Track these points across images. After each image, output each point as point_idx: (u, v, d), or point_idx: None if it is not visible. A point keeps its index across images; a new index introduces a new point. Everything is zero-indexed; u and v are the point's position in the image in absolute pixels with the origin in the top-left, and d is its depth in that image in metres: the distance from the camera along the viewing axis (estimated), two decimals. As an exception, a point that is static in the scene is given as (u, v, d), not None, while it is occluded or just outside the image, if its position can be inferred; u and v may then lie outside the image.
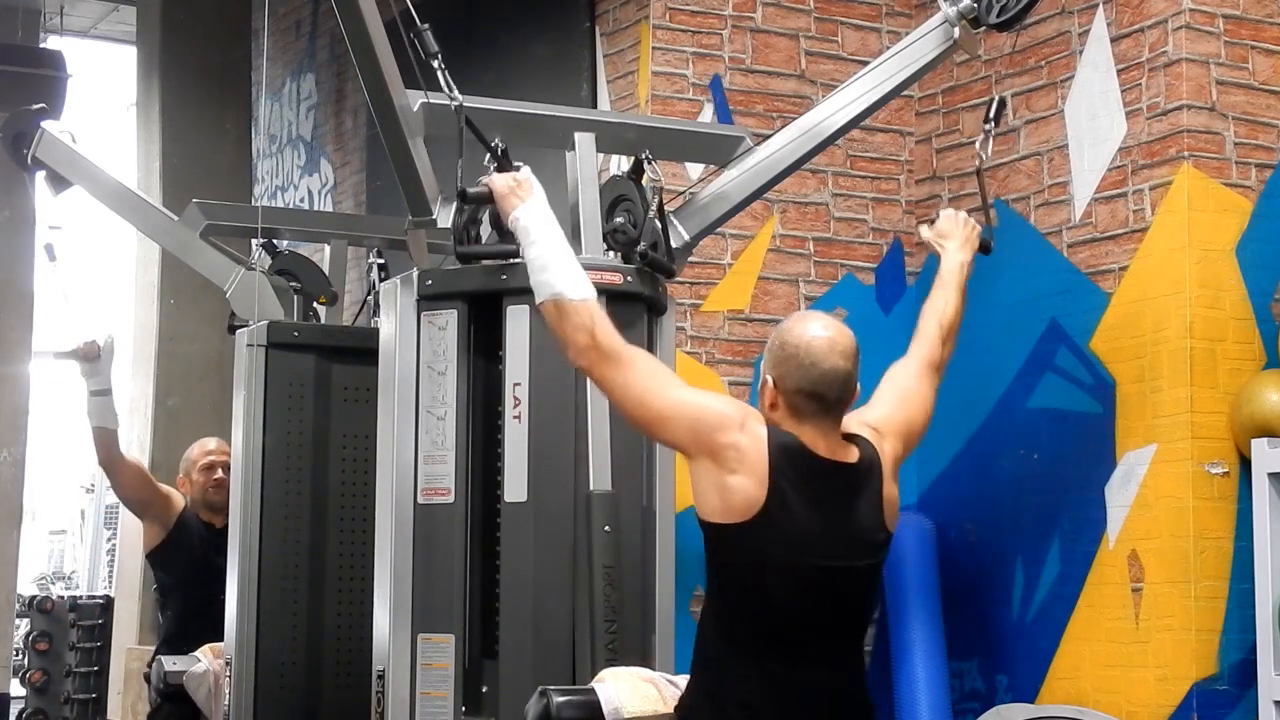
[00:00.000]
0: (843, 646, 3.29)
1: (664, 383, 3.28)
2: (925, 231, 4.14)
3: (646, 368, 3.30)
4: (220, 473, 5.48)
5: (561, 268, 3.38)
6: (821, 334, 3.26)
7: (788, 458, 3.17)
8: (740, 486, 3.15)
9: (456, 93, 3.99)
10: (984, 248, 4.13)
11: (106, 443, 5.57)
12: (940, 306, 3.89)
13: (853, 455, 3.28)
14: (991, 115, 4.40)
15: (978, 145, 4.41)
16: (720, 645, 3.24)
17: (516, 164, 3.86)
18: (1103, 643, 4.95)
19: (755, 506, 3.14)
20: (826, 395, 3.23)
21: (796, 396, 3.23)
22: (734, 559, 3.19)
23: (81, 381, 5.59)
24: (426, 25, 4.00)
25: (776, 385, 3.25)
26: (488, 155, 4.11)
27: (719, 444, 3.17)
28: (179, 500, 5.60)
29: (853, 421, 3.36)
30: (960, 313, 3.93)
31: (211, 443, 5.62)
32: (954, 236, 4.03)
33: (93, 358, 5.51)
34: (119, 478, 5.67)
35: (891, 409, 3.49)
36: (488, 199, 3.71)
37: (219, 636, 4.91)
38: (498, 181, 3.66)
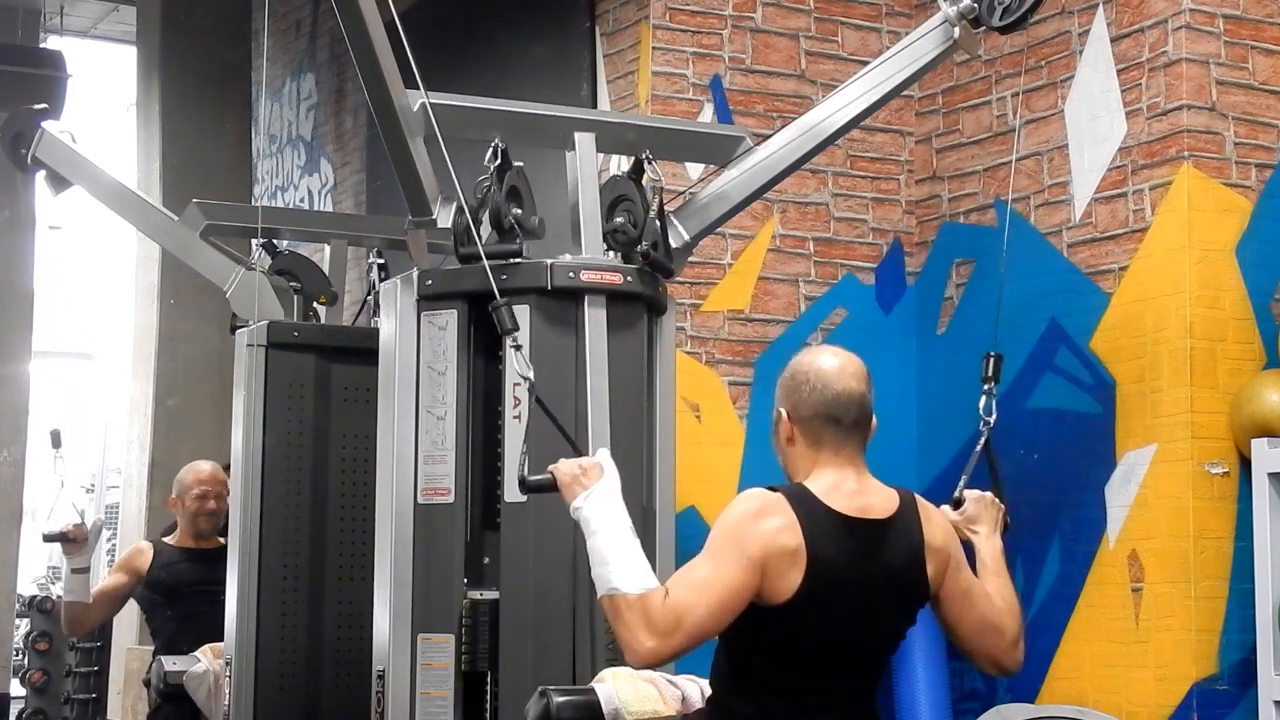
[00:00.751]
0: (859, 688, 3.24)
1: (716, 583, 3.06)
2: (952, 515, 3.63)
3: (696, 597, 3.06)
4: (212, 502, 5.49)
5: (619, 561, 3.15)
6: (830, 360, 3.19)
7: (815, 521, 3.07)
8: (791, 580, 3.09)
9: (532, 374, 3.77)
10: (1006, 527, 3.72)
11: (76, 617, 5.67)
12: (1004, 591, 3.49)
13: (885, 505, 3.17)
14: (990, 374, 4.09)
15: (980, 408, 4.03)
16: (729, 696, 3.19)
17: (594, 452, 3.60)
18: (1103, 643, 4.95)
19: (793, 588, 3.08)
20: (843, 418, 3.16)
21: (813, 422, 3.16)
22: (770, 633, 3.11)
23: (64, 558, 5.67)
24: (506, 300, 3.78)
25: (791, 416, 3.17)
26: (489, 150, 4.11)
27: (781, 568, 3.04)
28: (145, 555, 5.61)
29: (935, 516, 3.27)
30: (1013, 596, 3.53)
31: (206, 469, 5.60)
32: (985, 521, 3.64)
33: (80, 540, 5.53)
34: (97, 622, 5.79)
35: (968, 576, 3.32)
36: (550, 487, 3.39)
37: (219, 636, 4.91)
38: (563, 469, 3.36)
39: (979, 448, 3.95)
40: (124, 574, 5.66)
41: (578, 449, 3.75)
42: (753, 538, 3.04)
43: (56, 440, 6.02)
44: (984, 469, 3.89)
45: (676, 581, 3.07)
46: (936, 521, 3.27)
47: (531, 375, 3.75)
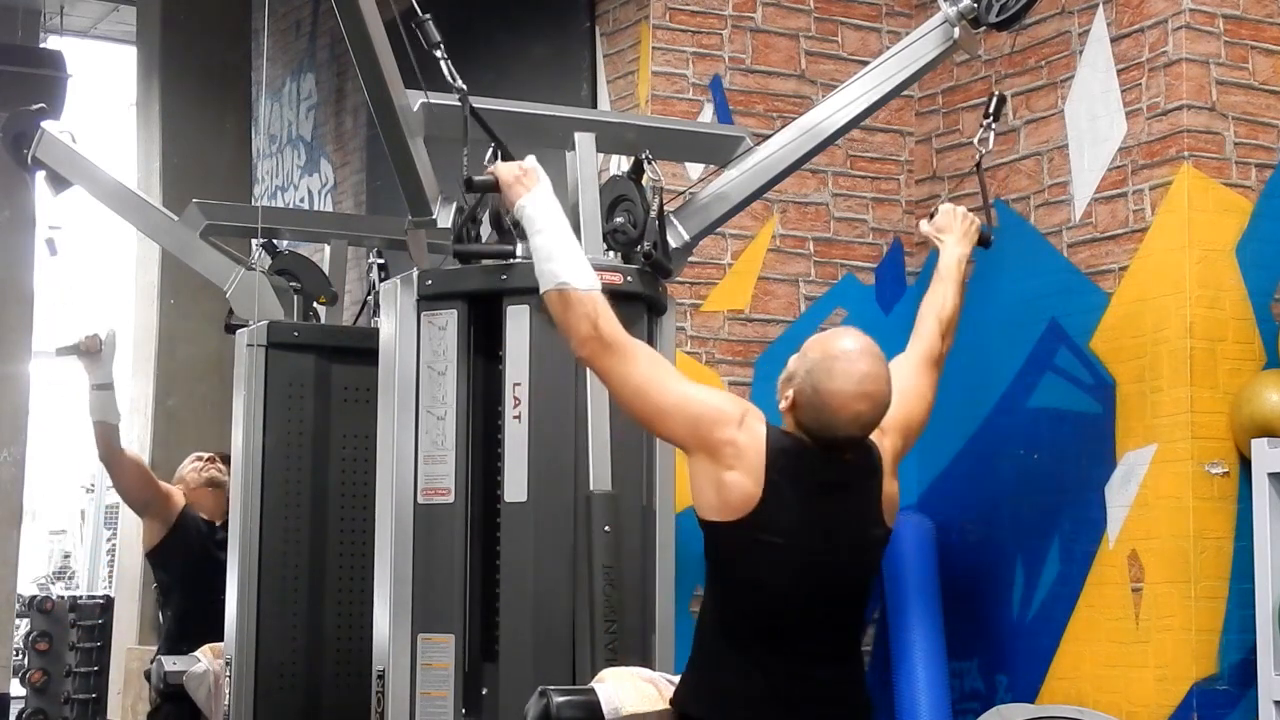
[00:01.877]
0: (840, 641, 3.29)
1: (665, 377, 3.28)
2: (924, 226, 4.18)
3: (648, 361, 3.29)
4: (211, 470, 5.51)
5: (567, 257, 3.37)
6: (851, 377, 3.20)
7: (785, 455, 3.18)
8: (737, 483, 3.15)
9: (460, 82, 3.99)
10: (984, 241, 4.16)
11: (107, 437, 5.57)
12: (939, 301, 3.91)
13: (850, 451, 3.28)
14: (991, 110, 4.43)
15: (976, 140, 4.44)
16: (717, 640, 3.25)
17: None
18: (1103, 643, 4.95)
19: (751, 503, 3.14)
20: (834, 441, 3.23)
21: (809, 424, 3.23)
22: (731, 555, 3.19)
23: (83, 376, 5.59)
24: (428, 15, 3.99)
25: (796, 399, 3.23)
26: (489, 149, 4.11)
27: (717, 440, 3.17)
28: (179, 498, 5.61)
29: None
30: (959, 308, 3.94)
31: (204, 453, 5.71)
32: (952, 231, 4.06)
33: (94, 351, 5.50)
34: (119, 473, 5.67)
35: (891, 405, 3.49)
36: (493, 187, 3.70)
37: (219, 636, 4.91)
38: (503, 170, 3.65)
39: (972, 169, 4.48)
40: (162, 484, 5.67)
41: (506, 150, 3.94)
42: (731, 403, 3.25)
43: (52, 249, 6.08)
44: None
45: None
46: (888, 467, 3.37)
47: (462, 84, 3.98)
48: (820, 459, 3.22)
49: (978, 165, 4.41)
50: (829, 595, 3.23)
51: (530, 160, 3.66)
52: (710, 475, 3.17)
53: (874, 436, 3.33)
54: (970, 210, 4.26)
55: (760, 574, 3.18)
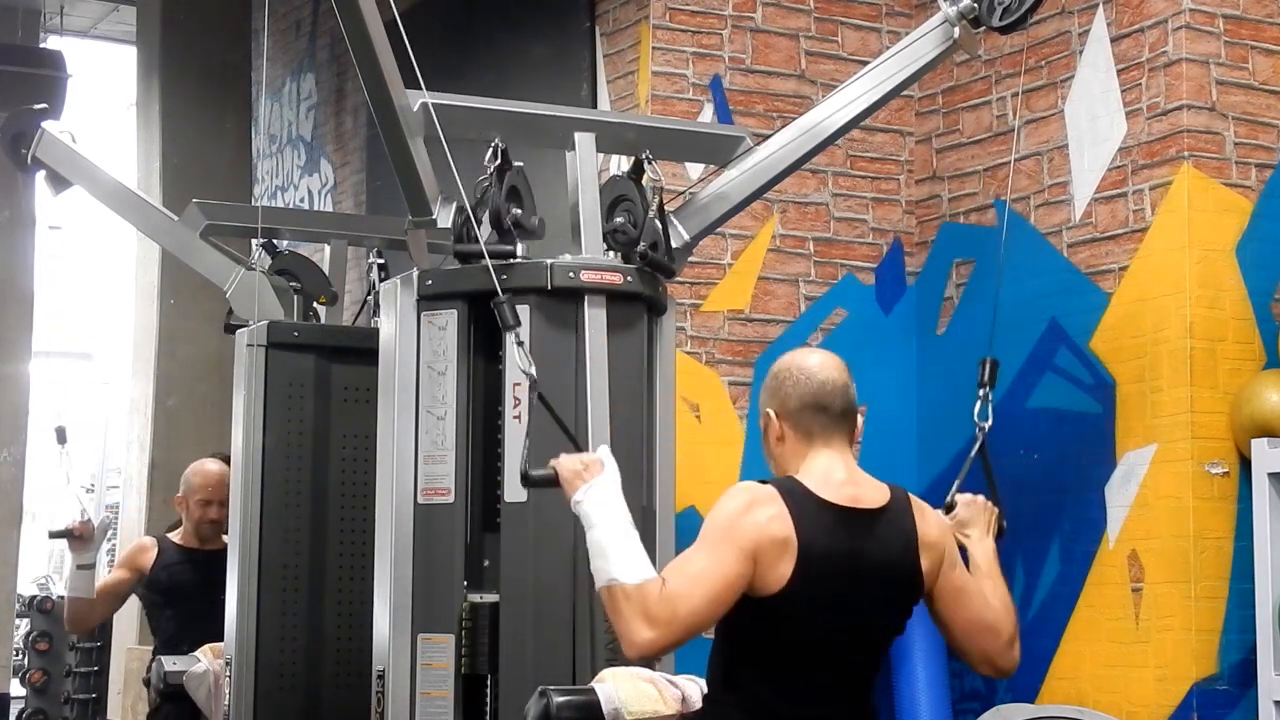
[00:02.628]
0: (855, 679, 3.24)
1: (708, 578, 3.08)
2: (944, 519, 3.72)
3: (689, 589, 3.08)
4: (214, 510, 5.47)
5: (619, 553, 3.17)
6: (810, 356, 3.27)
7: (805, 511, 3.10)
8: (781, 570, 3.10)
9: (534, 370, 3.77)
10: (1001, 531, 3.75)
11: (81, 613, 5.63)
12: (992, 593, 3.50)
13: (876, 496, 3.20)
14: (985, 379, 4.06)
15: (975, 415, 4.03)
16: (728, 673, 3.20)
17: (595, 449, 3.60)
18: (1103, 643, 4.95)
19: (786, 578, 3.09)
20: (830, 405, 3.19)
21: (802, 414, 3.19)
22: (761, 621, 3.11)
23: (68, 555, 5.62)
24: (507, 296, 3.79)
25: (779, 413, 3.21)
26: (489, 149, 4.11)
27: (770, 561, 3.07)
28: (149, 553, 5.60)
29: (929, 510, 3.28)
30: (1008, 602, 3.52)
31: (213, 474, 5.54)
32: (978, 524, 3.67)
33: (86, 537, 5.51)
34: (100, 621, 5.75)
35: (962, 573, 3.34)
36: (553, 482, 3.43)
37: (219, 636, 4.91)
38: (565, 464, 3.41)
39: (974, 452, 3.97)
40: (126, 570, 5.65)
41: (578, 445, 3.76)
42: (744, 528, 3.08)
43: (61, 436, 6.02)
44: (979, 473, 3.91)
45: (672, 572, 3.11)
46: (930, 517, 3.29)
47: (534, 371, 3.76)
48: (837, 511, 3.15)
49: (980, 447, 4.01)
50: (850, 639, 3.19)
51: (602, 450, 3.46)
52: (761, 578, 3.12)
53: (935, 525, 3.26)
54: (978, 498, 3.79)
55: (787, 637, 3.13)
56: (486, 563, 4.07)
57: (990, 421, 4.00)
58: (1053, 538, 5.13)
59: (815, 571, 3.08)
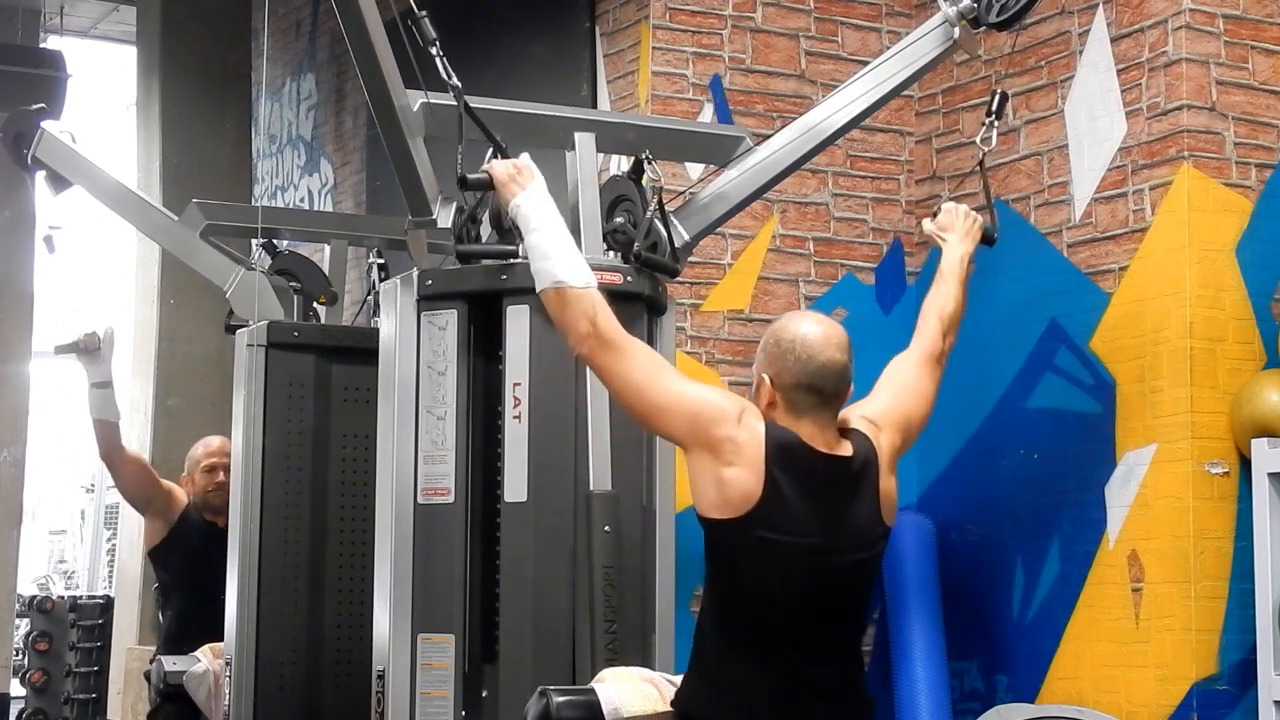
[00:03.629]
0: (841, 640, 3.29)
1: (663, 374, 3.28)
2: (927, 225, 4.16)
3: (646, 358, 3.30)
4: (221, 475, 5.45)
5: (563, 255, 3.38)
6: (815, 329, 3.28)
7: (784, 452, 3.18)
8: (737, 480, 3.16)
9: (455, 79, 3.99)
10: (987, 239, 4.16)
11: (108, 436, 5.56)
12: (941, 300, 3.90)
13: (848, 449, 3.28)
14: (994, 108, 4.42)
15: (979, 139, 4.43)
16: (717, 641, 3.25)
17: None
18: (1103, 643, 4.95)
19: (751, 500, 3.15)
20: (824, 388, 3.24)
21: (794, 391, 3.24)
22: (731, 552, 3.20)
23: (82, 374, 5.57)
24: (424, 12, 3.99)
25: (773, 383, 3.26)
26: (490, 149, 4.11)
27: (716, 437, 3.17)
28: (181, 497, 5.60)
29: (851, 415, 3.36)
30: (962, 306, 3.93)
31: (215, 442, 5.59)
32: (955, 229, 4.05)
33: (93, 349, 5.48)
34: (120, 471, 5.66)
35: (890, 402, 3.49)
36: (488, 185, 3.71)
37: (219, 636, 4.91)
38: (498, 168, 3.66)
39: (975, 168, 4.44)
40: (164, 482, 5.63)
41: (502, 148, 3.94)
42: (727, 400, 3.24)
43: (50, 245, 6.05)
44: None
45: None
46: (881, 446, 3.37)
47: (457, 80, 3.95)
48: (820, 457, 3.22)
49: (980, 164, 4.40)
50: (830, 593, 3.23)
51: (524, 158, 3.67)
52: (710, 472, 3.18)
53: (870, 432, 3.34)
54: (973, 209, 4.26)
55: (761, 571, 3.18)
56: (485, 694, 4.03)
57: (993, 145, 4.41)
58: (1053, 538, 5.13)
59: (783, 494, 3.16)
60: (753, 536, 3.16)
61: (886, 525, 3.31)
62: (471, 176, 3.79)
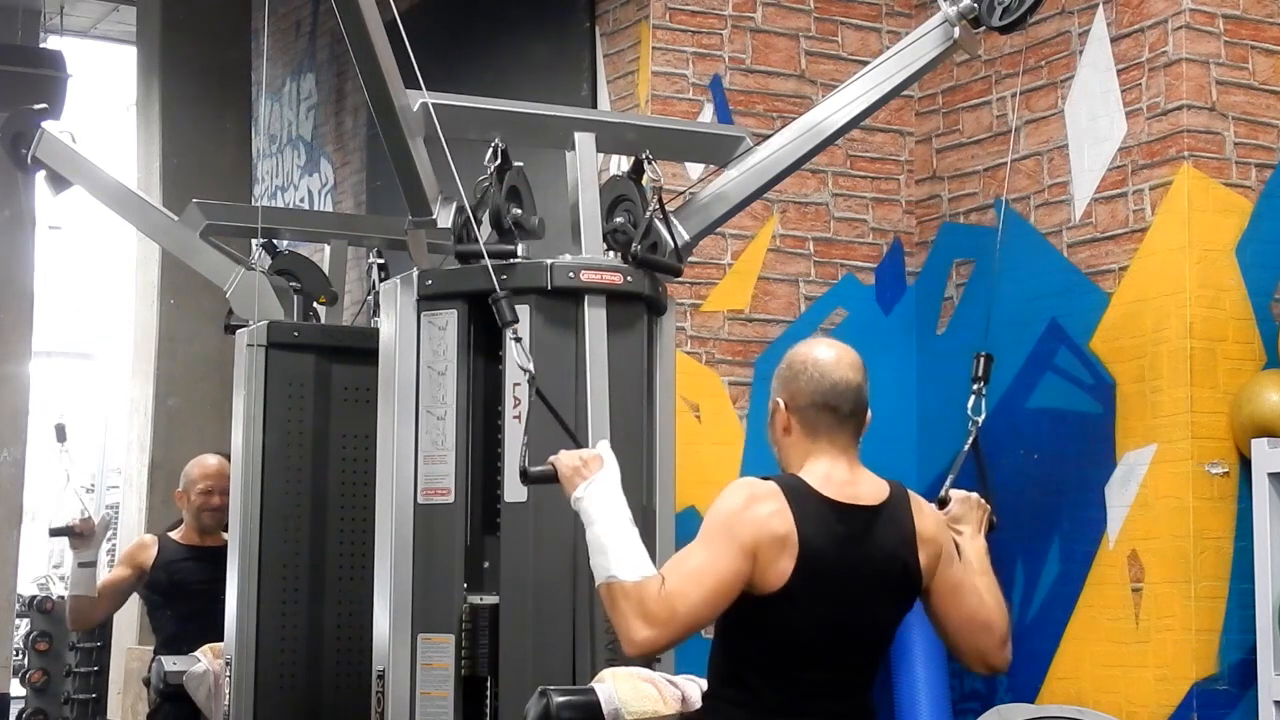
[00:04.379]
0: (855, 678, 3.24)
1: (707, 572, 3.08)
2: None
3: (693, 583, 3.08)
4: (216, 498, 5.47)
5: (619, 549, 3.16)
6: (827, 351, 3.24)
7: (805, 508, 3.10)
8: (781, 567, 3.10)
9: (532, 365, 3.77)
10: (992, 527, 3.73)
11: (82, 609, 5.63)
12: (986, 589, 3.50)
13: (875, 493, 3.20)
14: (979, 374, 4.09)
15: (970, 409, 4.03)
16: (727, 669, 3.20)
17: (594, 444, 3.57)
18: (1103, 643, 4.95)
19: (786, 575, 3.09)
20: (840, 406, 3.18)
21: (810, 411, 3.19)
22: (762, 620, 3.11)
23: (69, 552, 5.62)
24: (505, 293, 3.80)
25: (788, 406, 3.20)
26: (490, 149, 4.11)
27: (764, 564, 3.06)
28: (149, 550, 5.60)
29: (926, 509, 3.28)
30: (1000, 598, 3.52)
31: (212, 462, 5.56)
32: (970, 521, 3.64)
33: (88, 534, 5.52)
34: (105, 617, 5.79)
35: (963, 569, 3.36)
36: (551, 478, 3.42)
37: (219, 636, 4.91)
38: (564, 460, 3.40)
39: (966, 447, 3.98)
40: (127, 568, 5.64)
41: (578, 441, 3.76)
42: (744, 524, 3.07)
43: (61, 434, 6.02)
44: (972, 469, 3.91)
45: (671, 570, 3.10)
46: (928, 513, 3.30)
47: (532, 367, 3.76)
48: (837, 508, 3.15)
49: (974, 443, 4.01)
50: (851, 639, 3.19)
51: (602, 446, 3.43)
52: (761, 576, 3.12)
53: (934, 523, 3.26)
54: (977, 492, 3.78)
55: (786, 635, 3.13)
56: (486, 564, 4.06)
57: (984, 416, 4.00)
58: (1053, 538, 5.13)
59: (814, 567, 3.07)
60: (788, 604, 3.09)
61: (918, 564, 3.20)
62: (533, 470, 3.52)
